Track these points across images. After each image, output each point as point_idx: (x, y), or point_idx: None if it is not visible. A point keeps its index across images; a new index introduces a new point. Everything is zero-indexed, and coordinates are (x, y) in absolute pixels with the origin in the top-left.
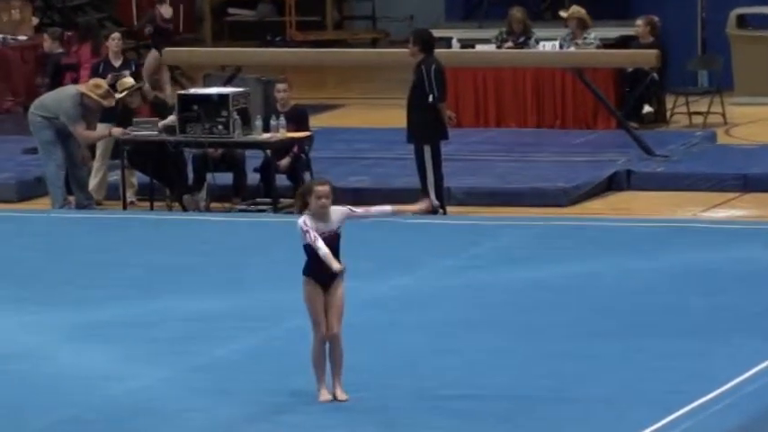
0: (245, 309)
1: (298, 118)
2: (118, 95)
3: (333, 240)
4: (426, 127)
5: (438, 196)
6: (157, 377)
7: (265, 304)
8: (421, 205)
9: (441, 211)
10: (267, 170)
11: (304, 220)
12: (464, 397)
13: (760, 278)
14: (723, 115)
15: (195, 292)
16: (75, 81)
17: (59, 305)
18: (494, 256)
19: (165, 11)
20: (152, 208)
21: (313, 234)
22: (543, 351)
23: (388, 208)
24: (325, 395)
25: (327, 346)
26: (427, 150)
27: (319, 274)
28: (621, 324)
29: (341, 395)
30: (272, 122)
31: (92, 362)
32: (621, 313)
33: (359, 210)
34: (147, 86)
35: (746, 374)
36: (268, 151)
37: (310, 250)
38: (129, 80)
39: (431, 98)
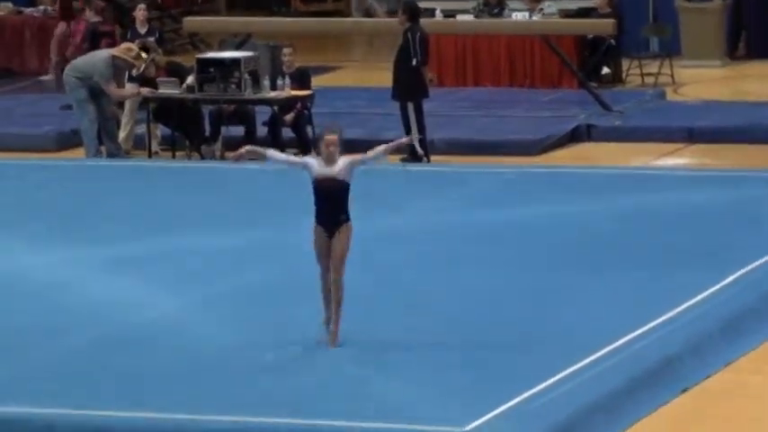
0: (256, 244)
1: (301, 78)
2: (136, 72)
3: (330, 183)
4: (410, 86)
5: (422, 146)
6: (179, 305)
7: (274, 240)
8: (402, 139)
9: (425, 159)
10: (274, 124)
11: (310, 157)
12: (441, 320)
13: (703, 218)
14: (672, 76)
15: (212, 230)
16: (110, 46)
17: (92, 242)
18: (471, 198)
19: None
20: (174, 157)
21: (289, 156)
22: (512, 283)
23: (380, 148)
24: (327, 320)
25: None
26: (410, 107)
27: (325, 222)
28: (582, 259)
29: (332, 327)
30: (279, 82)
31: (120, 291)
32: (582, 250)
33: (359, 155)
34: (158, 56)
35: (689, 303)
36: (275, 107)
37: (317, 193)
38: (140, 53)
39: (414, 61)
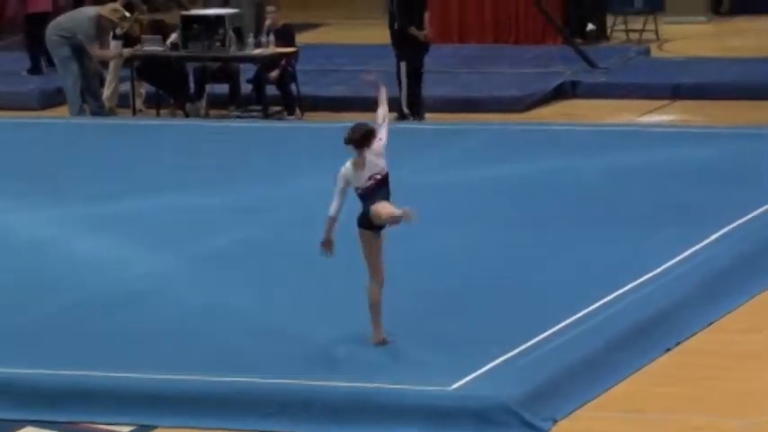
0: (239, 203)
1: (285, 35)
2: (120, 31)
3: (380, 184)
4: (401, 47)
5: (409, 106)
6: (162, 264)
7: (257, 199)
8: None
9: (410, 118)
10: (259, 81)
11: (343, 171)
12: (429, 278)
13: (687, 175)
14: (656, 32)
15: (196, 189)
16: (95, 3)
17: (75, 200)
18: (456, 156)
19: None
20: (158, 114)
21: (339, 186)
22: (496, 240)
23: (381, 112)
24: (378, 337)
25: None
26: (403, 66)
27: (374, 225)
28: (566, 216)
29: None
30: (263, 39)
31: (103, 250)
32: (568, 206)
33: (382, 131)
34: (142, 15)
35: (673, 261)
36: (259, 65)
37: (364, 199)
38: (125, 14)
39: (396, 25)
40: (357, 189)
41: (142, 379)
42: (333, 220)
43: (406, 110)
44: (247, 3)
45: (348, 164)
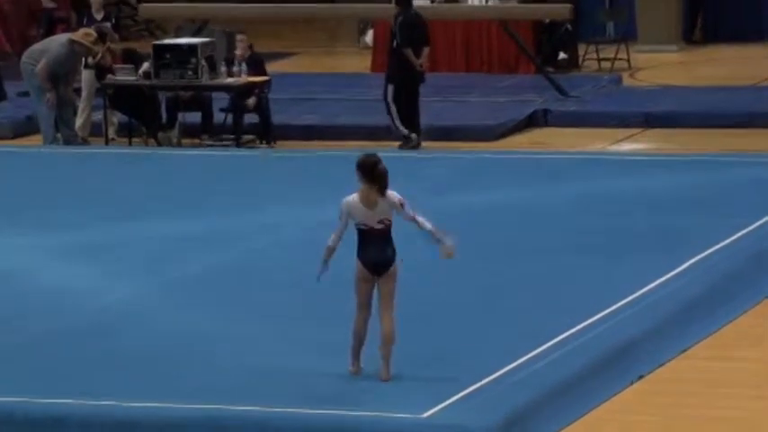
0: (212, 231)
1: (256, 64)
2: (92, 61)
3: (385, 232)
4: (393, 68)
5: (407, 127)
6: (134, 292)
7: (230, 227)
8: (449, 244)
9: (413, 137)
10: (236, 110)
11: (347, 203)
12: (401, 306)
13: (658, 203)
14: (628, 61)
15: (168, 217)
16: (65, 32)
17: (47, 228)
18: (427, 185)
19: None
20: (130, 144)
21: (339, 228)
22: (468, 269)
23: (429, 225)
24: (356, 367)
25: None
26: (390, 89)
27: (372, 261)
28: (539, 242)
29: (385, 375)
30: (235, 68)
31: (77, 278)
32: (540, 233)
33: (408, 210)
34: (114, 44)
35: (645, 289)
36: (233, 94)
37: (361, 233)
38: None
39: (395, 44)
40: (362, 225)
41: (114, 407)
42: (331, 250)
43: (403, 130)
44: (219, 32)
45: (354, 197)
